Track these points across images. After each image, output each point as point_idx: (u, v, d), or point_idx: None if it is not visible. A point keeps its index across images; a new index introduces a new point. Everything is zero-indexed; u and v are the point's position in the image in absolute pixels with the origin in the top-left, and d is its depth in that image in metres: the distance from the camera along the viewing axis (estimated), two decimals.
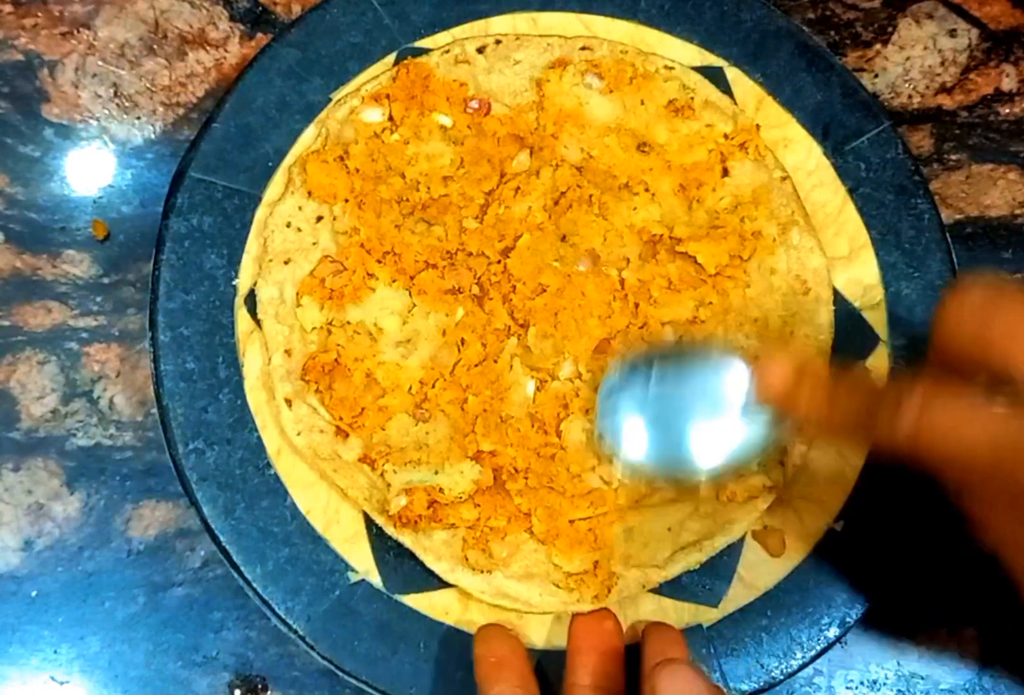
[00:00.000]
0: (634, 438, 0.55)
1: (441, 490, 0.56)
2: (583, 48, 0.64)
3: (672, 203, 0.63)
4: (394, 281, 0.59)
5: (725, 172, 0.63)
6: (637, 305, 0.60)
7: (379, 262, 0.59)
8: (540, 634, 0.57)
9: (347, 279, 0.59)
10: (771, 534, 0.59)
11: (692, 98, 0.64)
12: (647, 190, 0.62)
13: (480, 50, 0.63)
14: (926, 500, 0.60)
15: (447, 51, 0.63)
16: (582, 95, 0.63)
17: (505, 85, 0.63)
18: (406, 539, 0.56)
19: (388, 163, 0.61)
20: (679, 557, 0.57)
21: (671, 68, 0.64)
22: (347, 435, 0.57)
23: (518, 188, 0.61)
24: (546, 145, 0.62)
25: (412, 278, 0.59)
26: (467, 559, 0.56)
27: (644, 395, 0.55)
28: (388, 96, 0.62)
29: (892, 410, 0.44)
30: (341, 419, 0.57)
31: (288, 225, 0.59)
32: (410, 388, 0.58)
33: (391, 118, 0.62)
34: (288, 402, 0.57)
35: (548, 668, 0.56)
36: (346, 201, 0.60)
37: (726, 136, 0.64)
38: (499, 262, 0.60)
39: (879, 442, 0.47)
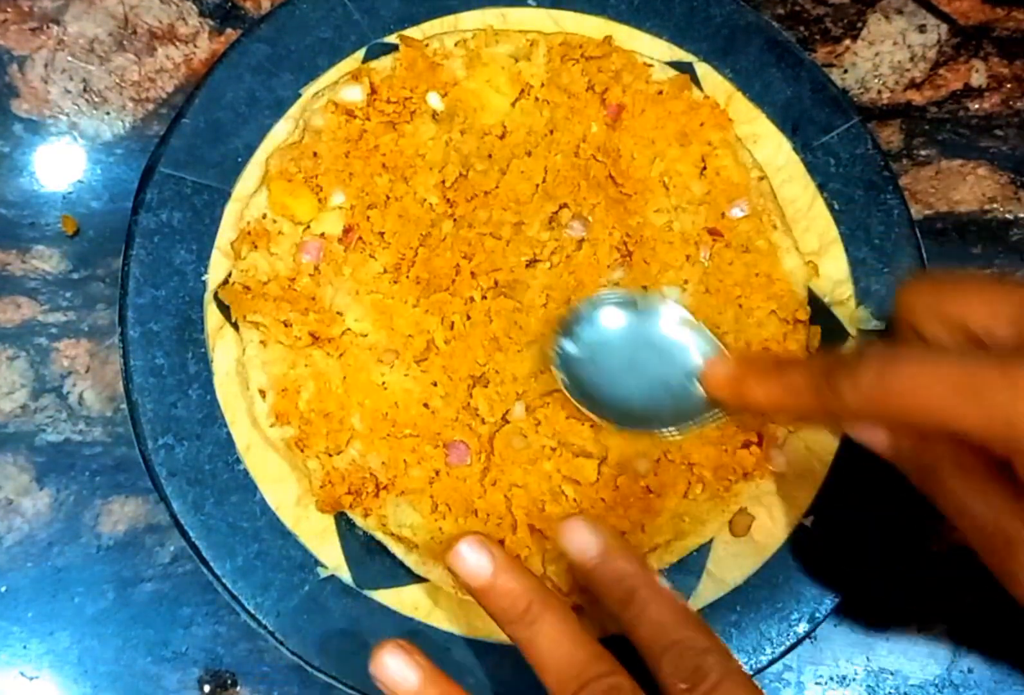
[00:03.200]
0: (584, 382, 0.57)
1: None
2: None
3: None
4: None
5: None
6: None
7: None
8: None
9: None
10: (739, 515, 0.60)
11: None
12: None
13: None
14: (896, 495, 0.60)
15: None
16: None
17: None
18: (376, 532, 0.56)
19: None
20: (650, 558, 0.58)
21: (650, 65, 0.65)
22: None
23: None
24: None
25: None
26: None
27: (597, 343, 0.57)
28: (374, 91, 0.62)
29: (854, 369, 0.44)
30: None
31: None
32: (386, 414, 0.58)
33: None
34: (262, 393, 0.57)
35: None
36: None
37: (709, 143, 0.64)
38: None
39: (845, 411, 0.46)
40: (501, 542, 0.55)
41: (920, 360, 0.42)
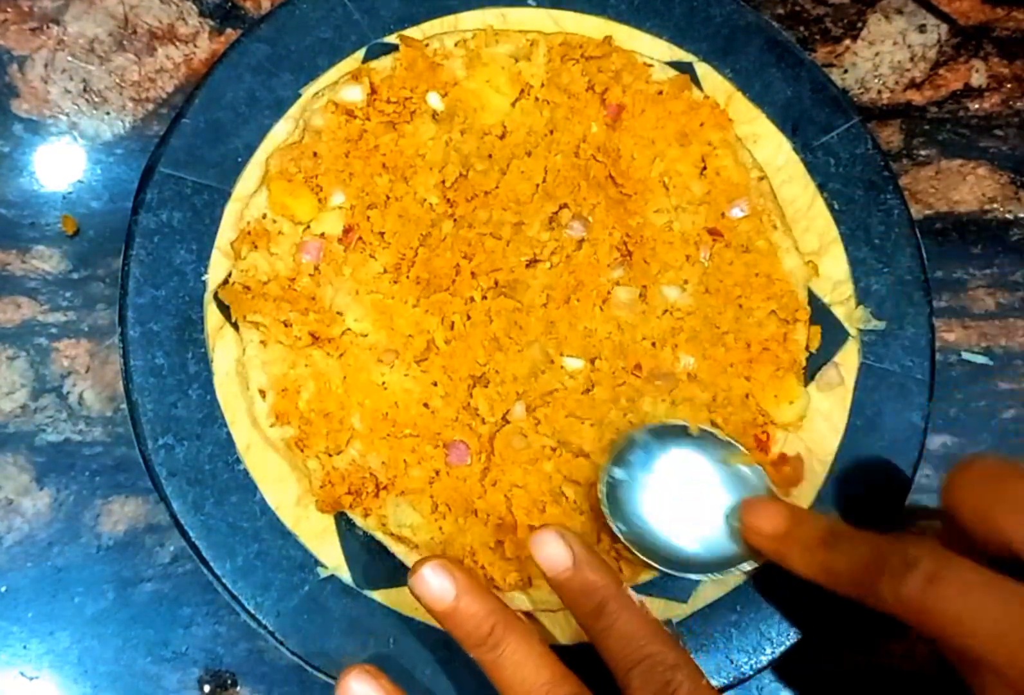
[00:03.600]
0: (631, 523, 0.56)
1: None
2: None
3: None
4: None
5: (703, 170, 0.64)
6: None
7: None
8: None
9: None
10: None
11: None
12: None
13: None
14: (896, 496, 0.60)
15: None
16: None
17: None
18: (376, 532, 0.56)
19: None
20: None
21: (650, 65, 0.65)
22: None
23: None
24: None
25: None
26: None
27: (643, 479, 0.57)
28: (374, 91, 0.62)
29: (898, 578, 0.45)
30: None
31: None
32: (386, 414, 0.58)
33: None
34: (262, 393, 0.57)
35: None
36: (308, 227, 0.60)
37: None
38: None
39: (879, 606, 0.46)
40: (500, 543, 0.56)
41: (968, 583, 0.43)
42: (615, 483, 0.56)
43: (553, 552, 0.51)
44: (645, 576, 0.58)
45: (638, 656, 0.48)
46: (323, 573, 0.56)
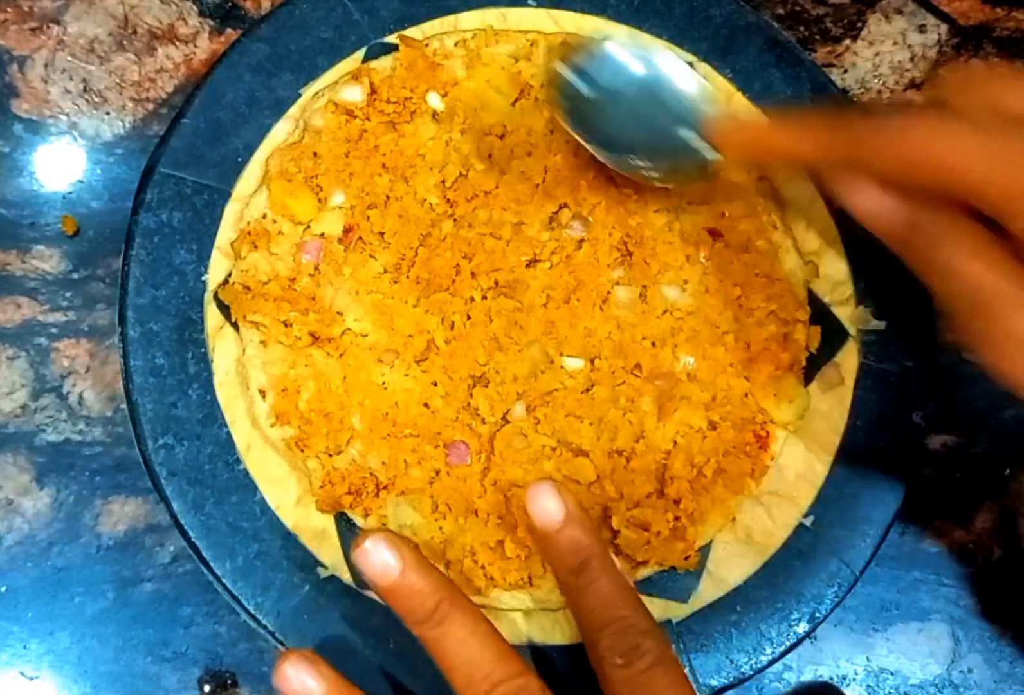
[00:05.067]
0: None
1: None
2: None
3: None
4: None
5: None
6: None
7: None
8: (510, 630, 0.56)
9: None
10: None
11: None
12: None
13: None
14: (894, 495, 0.60)
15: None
16: None
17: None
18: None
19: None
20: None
21: None
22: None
23: None
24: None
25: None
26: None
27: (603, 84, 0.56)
28: (374, 90, 0.62)
29: (892, 120, 0.46)
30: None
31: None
32: (386, 414, 0.58)
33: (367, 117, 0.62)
34: (262, 393, 0.57)
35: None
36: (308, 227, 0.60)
37: None
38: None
39: (863, 157, 0.48)
40: (500, 542, 0.56)
41: (968, 125, 0.45)
42: (571, 92, 0.56)
43: (547, 504, 0.50)
44: (644, 572, 0.58)
45: (611, 616, 0.49)
46: (323, 573, 0.56)
